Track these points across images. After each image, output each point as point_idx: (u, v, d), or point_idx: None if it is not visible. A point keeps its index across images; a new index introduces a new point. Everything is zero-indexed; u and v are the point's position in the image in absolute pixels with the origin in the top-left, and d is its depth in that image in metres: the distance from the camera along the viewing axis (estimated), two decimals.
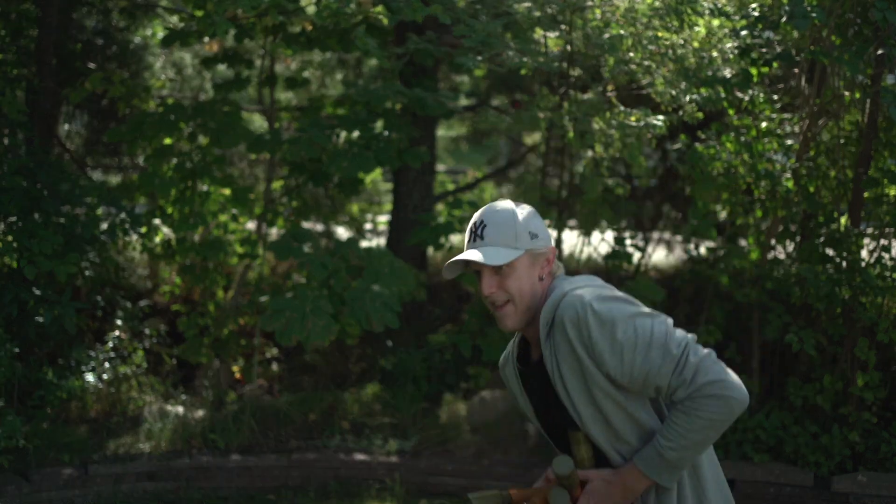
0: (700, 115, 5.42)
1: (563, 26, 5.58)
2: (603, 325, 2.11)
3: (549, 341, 2.22)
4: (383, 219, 9.27)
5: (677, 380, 2.08)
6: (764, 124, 5.48)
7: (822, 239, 5.29)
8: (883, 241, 5.31)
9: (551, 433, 2.37)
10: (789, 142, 5.51)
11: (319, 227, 8.32)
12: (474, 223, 2.32)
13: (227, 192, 6.58)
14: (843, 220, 5.33)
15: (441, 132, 10.64)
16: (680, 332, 2.14)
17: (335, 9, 5.63)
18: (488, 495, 2.25)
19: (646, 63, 5.35)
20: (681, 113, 5.43)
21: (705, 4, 5.14)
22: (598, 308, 2.13)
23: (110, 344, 6.09)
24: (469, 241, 2.33)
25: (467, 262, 2.32)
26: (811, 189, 5.50)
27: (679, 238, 7.93)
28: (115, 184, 7.53)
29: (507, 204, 2.33)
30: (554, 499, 2.20)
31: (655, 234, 8.10)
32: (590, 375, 2.16)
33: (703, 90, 5.19)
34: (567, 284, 2.26)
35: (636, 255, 6.81)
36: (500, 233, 2.26)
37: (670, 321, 2.17)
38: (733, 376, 2.10)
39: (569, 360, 2.17)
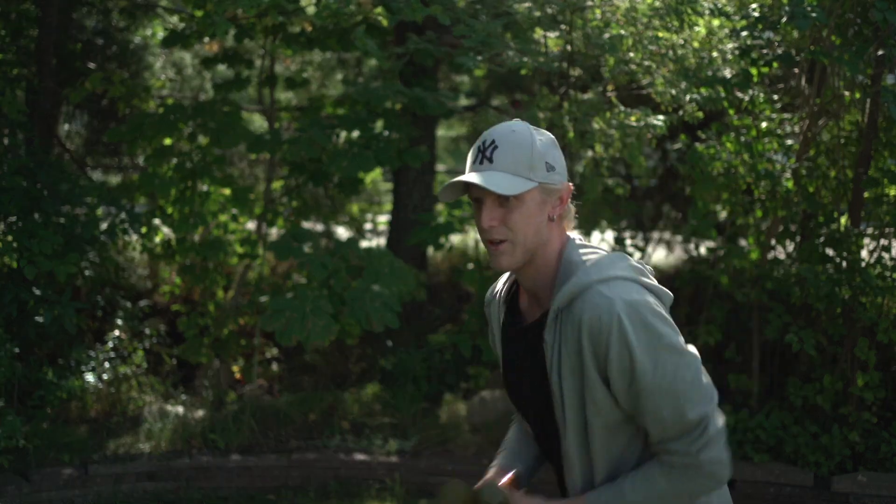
0: (700, 115, 5.42)
1: (563, 26, 5.58)
2: (624, 345, 1.82)
3: (555, 326, 1.92)
4: (383, 219, 9.27)
5: (682, 444, 1.85)
6: (764, 124, 5.48)
7: (822, 239, 5.30)
8: (883, 241, 5.31)
9: (518, 400, 2.14)
10: (789, 142, 5.52)
11: (319, 227, 8.32)
12: (484, 141, 1.95)
13: (227, 192, 6.58)
14: (843, 220, 5.33)
15: (441, 132, 10.65)
16: (704, 387, 1.87)
17: (335, 9, 5.63)
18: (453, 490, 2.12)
19: (646, 63, 5.35)
20: (681, 113, 5.43)
21: (705, 4, 5.14)
22: (626, 322, 1.82)
23: (110, 344, 6.09)
24: (474, 161, 1.96)
25: (468, 186, 1.95)
26: (811, 189, 5.50)
27: (679, 238, 7.93)
28: (115, 184, 7.53)
29: (524, 126, 1.97)
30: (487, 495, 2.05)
31: (655, 234, 8.10)
32: (590, 384, 1.89)
33: (703, 90, 5.19)
34: (592, 270, 1.89)
35: (636, 255, 6.81)
36: (514, 158, 1.91)
37: (697, 362, 1.89)
38: (728, 455, 1.90)
39: (572, 360, 1.89)
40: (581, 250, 1.98)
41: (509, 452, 2.28)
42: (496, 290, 2.20)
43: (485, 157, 1.93)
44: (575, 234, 2.05)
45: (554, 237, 1.99)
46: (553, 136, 2.02)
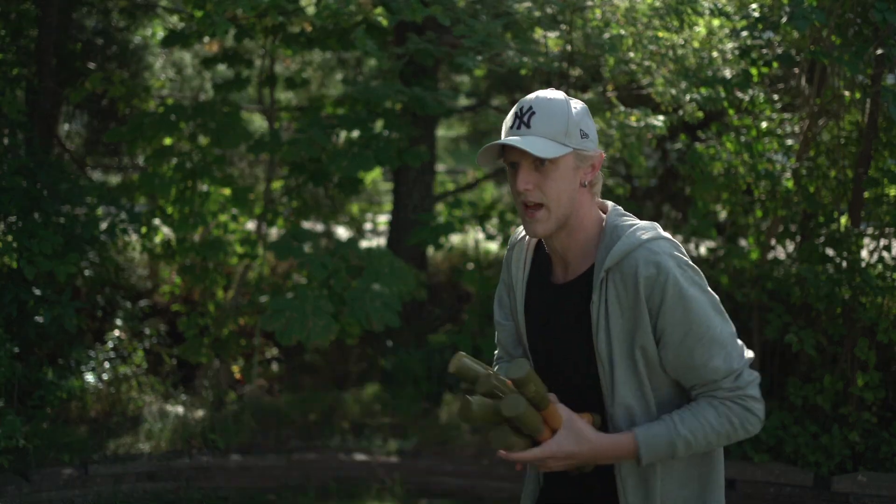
0: (700, 115, 5.43)
1: (563, 26, 5.58)
2: (679, 297, 1.93)
3: (601, 287, 1.99)
4: (383, 219, 9.28)
5: (730, 383, 1.97)
6: (764, 124, 5.48)
7: (822, 239, 5.30)
8: (883, 241, 5.32)
9: (538, 355, 2.17)
10: (789, 142, 5.52)
11: (319, 227, 8.32)
12: (521, 108, 2.03)
13: (227, 192, 6.57)
14: (843, 220, 5.33)
15: (441, 132, 10.65)
16: (740, 343, 2.01)
17: (335, 9, 5.63)
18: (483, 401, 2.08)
19: (646, 63, 5.35)
20: (681, 113, 5.43)
21: (705, 4, 5.15)
22: (682, 279, 1.94)
23: (110, 344, 6.09)
24: (512, 126, 2.03)
25: (504, 150, 2.03)
26: (811, 189, 5.50)
27: (679, 238, 7.93)
28: (115, 184, 7.53)
29: (559, 94, 2.06)
30: (495, 439, 1.97)
31: None
32: (643, 335, 1.97)
33: (703, 90, 5.19)
34: (639, 231, 2.00)
35: None
36: (550, 124, 1.99)
37: (734, 328, 2.03)
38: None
39: (627, 314, 1.97)
40: (622, 217, 2.08)
41: None
42: (522, 235, 2.22)
43: (522, 123, 2.01)
44: (613, 204, 2.14)
45: (585, 203, 2.07)
46: (587, 105, 2.08)
